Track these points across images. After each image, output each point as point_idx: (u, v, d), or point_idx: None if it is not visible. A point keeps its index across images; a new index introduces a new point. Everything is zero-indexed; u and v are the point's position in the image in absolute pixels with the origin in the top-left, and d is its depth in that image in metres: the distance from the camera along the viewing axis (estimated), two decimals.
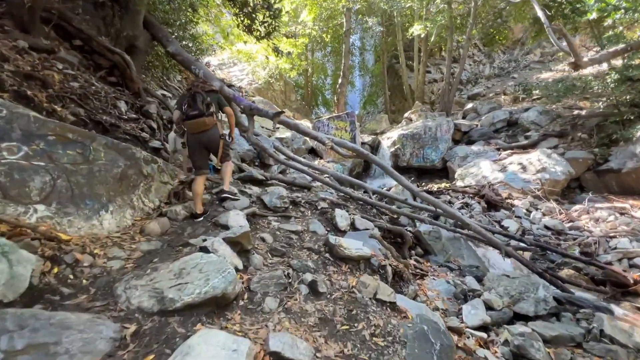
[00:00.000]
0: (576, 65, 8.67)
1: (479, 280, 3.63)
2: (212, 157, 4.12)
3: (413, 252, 4.16)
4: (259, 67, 19.75)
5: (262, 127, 12.99)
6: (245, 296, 2.34)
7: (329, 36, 18.10)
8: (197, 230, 3.18)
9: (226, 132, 4.10)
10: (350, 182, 5.90)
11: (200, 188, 3.60)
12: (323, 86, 26.42)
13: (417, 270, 3.70)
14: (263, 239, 3.24)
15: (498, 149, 10.85)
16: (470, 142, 12.35)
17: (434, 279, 3.66)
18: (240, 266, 2.68)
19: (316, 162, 11.74)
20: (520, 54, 21.58)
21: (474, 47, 24.04)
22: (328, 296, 2.56)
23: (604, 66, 11.61)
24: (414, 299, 3.20)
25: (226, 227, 3.21)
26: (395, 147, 12.42)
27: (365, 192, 6.51)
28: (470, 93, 19.06)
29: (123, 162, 3.47)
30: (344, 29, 14.31)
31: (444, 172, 12.09)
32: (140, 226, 3.14)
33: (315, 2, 16.41)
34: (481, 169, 9.81)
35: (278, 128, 13.16)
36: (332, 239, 3.14)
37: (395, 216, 4.95)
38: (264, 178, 4.95)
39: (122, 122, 5.39)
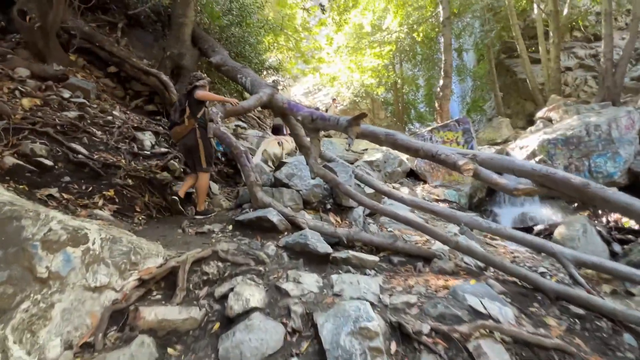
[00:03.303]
0: None
1: None
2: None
3: None
4: (343, 87, 17.97)
5: (348, 151, 10.66)
6: None
7: (420, 35, 15.07)
8: None
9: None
10: (518, 238, 2.78)
11: (204, 185, 3.37)
12: (415, 99, 23.06)
13: None
14: None
15: None
16: None
17: None
18: None
19: (419, 189, 8.63)
20: None
21: (624, 14, 17.44)
22: None
23: None
24: None
25: None
26: (537, 158, 8.35)
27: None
28: (635, 74, 13.09)
29: None
30: (442, 18, 11.19)
31: (631, 190, 7.39)
32: None
33: (401, 2, 13.82)
34: None
35: (366, 149, 10.62)
36: None
37: None
38: (330, 249, 2.37)
39: (138, 159, 3.67)
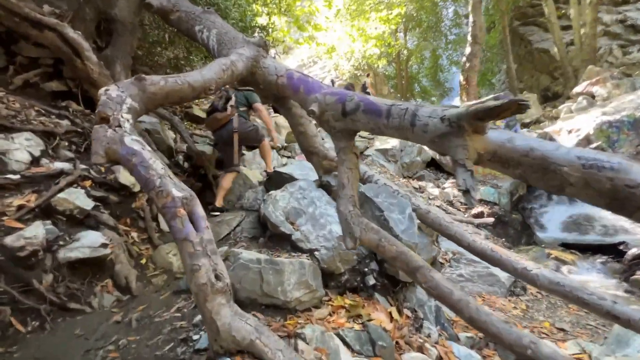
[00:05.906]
0: None
1: None
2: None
3: None
4: (342, 60, 15.59)
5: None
6: None
7: None
8: None
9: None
10: None
11: (226, 183, 3.06)
12: (419, 72, 20.75)
13: None
14: None
15: None
16: None
17: None
18: None
19: (447, 186, 6.82)
20: None
21: None
22: None
23: None
24: None
25: None
26: (594, 145, 6.56)
27: None
28: None
29: None
30: None
31: None
32: None
33: None
34: None
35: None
36: None
37: None
38: None
39: None
